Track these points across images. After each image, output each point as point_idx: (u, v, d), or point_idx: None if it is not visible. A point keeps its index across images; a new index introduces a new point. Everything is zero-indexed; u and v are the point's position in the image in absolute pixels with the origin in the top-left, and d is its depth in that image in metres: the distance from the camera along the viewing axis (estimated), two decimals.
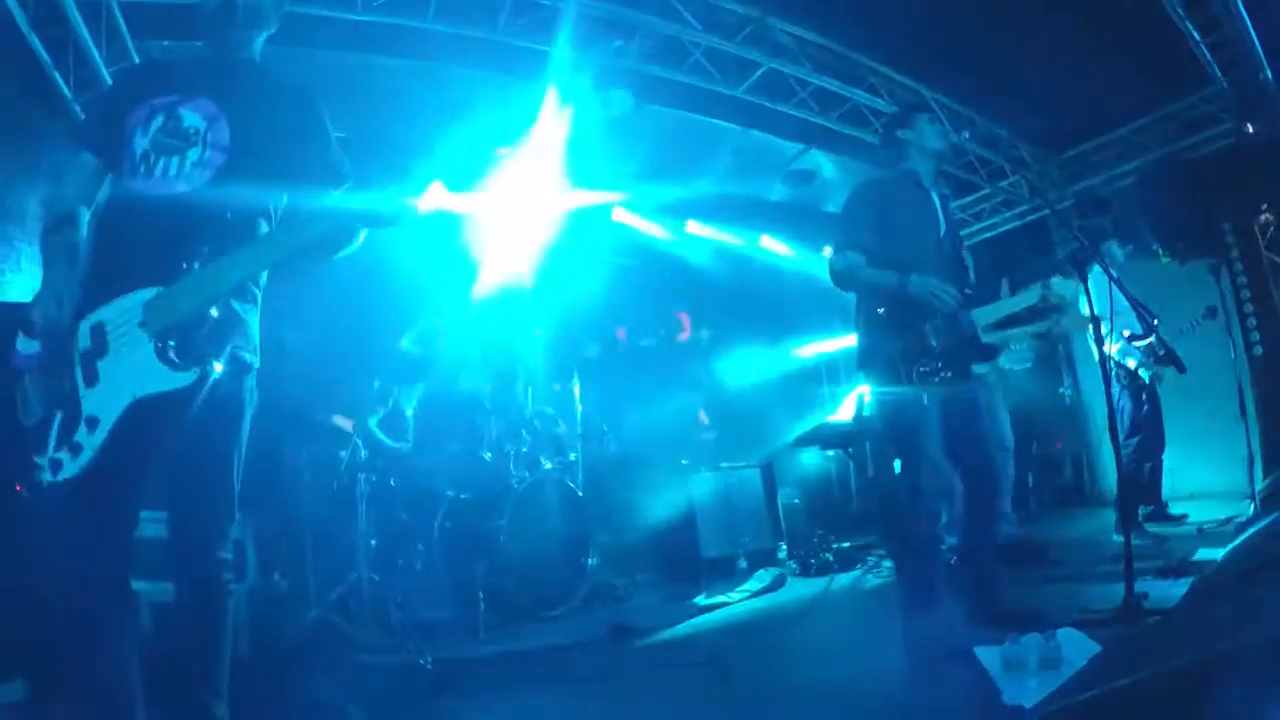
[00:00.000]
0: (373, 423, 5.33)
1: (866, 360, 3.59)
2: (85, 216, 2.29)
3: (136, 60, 5.26)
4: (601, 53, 5.89)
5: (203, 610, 2.15)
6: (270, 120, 2.32)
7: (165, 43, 5.36)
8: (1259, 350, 6.71)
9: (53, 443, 2.03)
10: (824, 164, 8.38)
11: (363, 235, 2.38)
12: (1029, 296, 3.88)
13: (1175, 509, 6.10)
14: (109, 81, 4.92)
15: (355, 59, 5.84)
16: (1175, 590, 3.52)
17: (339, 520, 5.28)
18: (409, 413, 5.60)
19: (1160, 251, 5.92)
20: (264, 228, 2.33)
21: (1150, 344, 5.81)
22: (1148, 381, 5.86)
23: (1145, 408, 5.86)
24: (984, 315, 3.60)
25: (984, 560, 3.58)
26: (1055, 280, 3.90)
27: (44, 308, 2.08)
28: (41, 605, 2.48)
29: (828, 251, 3.91)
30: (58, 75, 4.86)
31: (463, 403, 5.47)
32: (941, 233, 3.70)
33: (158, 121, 2.24)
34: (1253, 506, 5.56)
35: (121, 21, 5.14)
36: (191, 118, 2.24)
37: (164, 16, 5.14)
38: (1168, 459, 6.09)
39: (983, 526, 3.62)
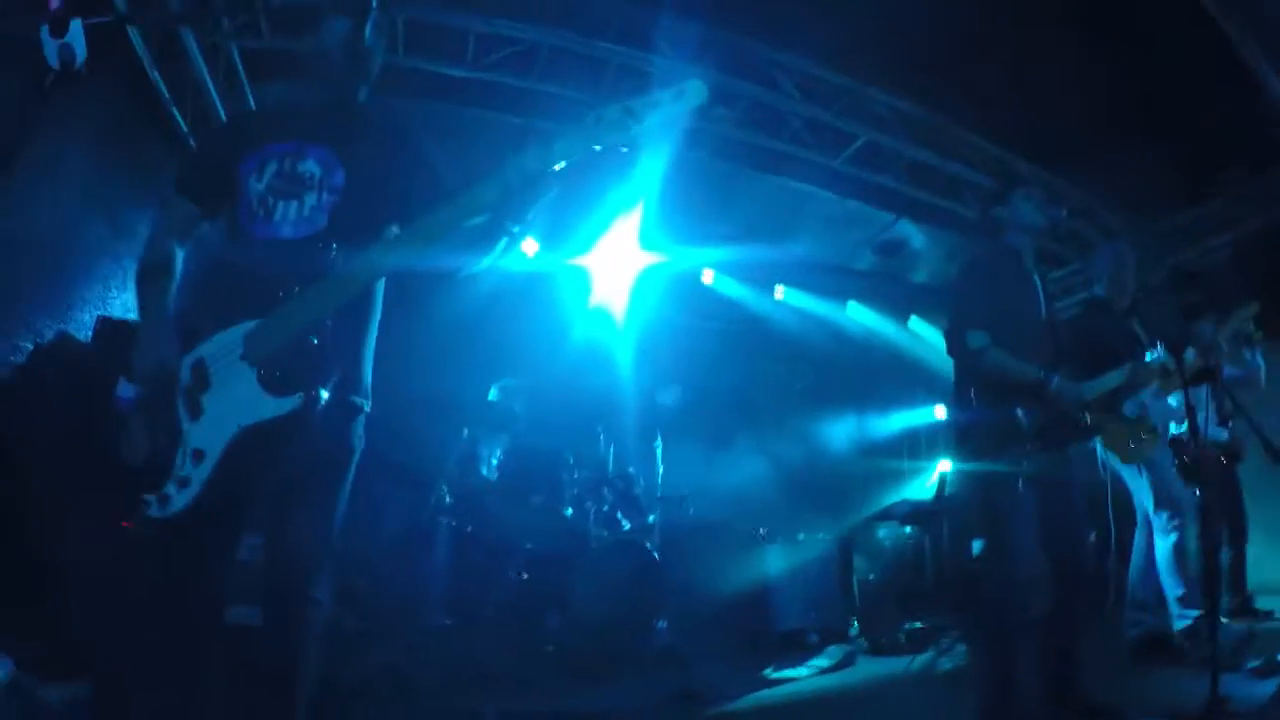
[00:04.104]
0: (457, 470, 5.40)
1: (961, 437, 3.54)
2: (180, 259, 2.36)
3: (251, 99, 5.54)
4: (702, 118, 5.98)
5: (289, 646, 2.14)
6: (384, 163, 2.36)
7: (279, 86, 5.61)
8: None
9: (160, 478, 2.06)
10: (914, 234, 8.32)
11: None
12: (1116, 377, 3.77)
13: (1262, 603, 5.74)
14: (220, 122, 5.17)
15: (454, 110, 6.05)
16: (1262, 690, 3.42)
17: (415, 563, 5.35)
18: (493, 462, 5.66)
19: (1254, 327, 5.63)
20: None
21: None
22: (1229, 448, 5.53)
23: (1224, 493, 5.55)
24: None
25: (1066, 652, 3.45)
26: (1149, 355, 3.81)
27: (143, 356, 2.12)
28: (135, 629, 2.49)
29: (911, 320, 3.87)
30: (175, 110, 5.14)
31: (547, 456, 5.50)
32: (1043, 315, 3.64)
33: (272, 167, 2.27)
34: None
35: (239, 63, 5.43)
36: (307, 164, 2.28)
37: (279, 61, 5.41)
38: (1252, 550, 5.75)
39: (1067, 616, 3.50)
